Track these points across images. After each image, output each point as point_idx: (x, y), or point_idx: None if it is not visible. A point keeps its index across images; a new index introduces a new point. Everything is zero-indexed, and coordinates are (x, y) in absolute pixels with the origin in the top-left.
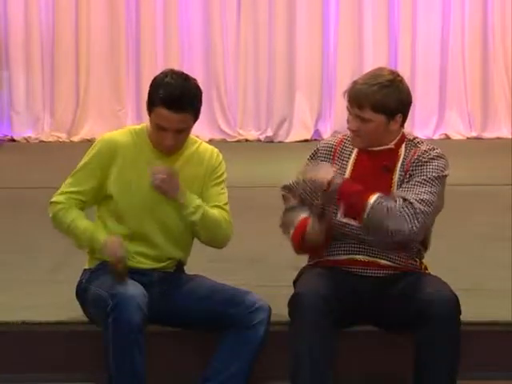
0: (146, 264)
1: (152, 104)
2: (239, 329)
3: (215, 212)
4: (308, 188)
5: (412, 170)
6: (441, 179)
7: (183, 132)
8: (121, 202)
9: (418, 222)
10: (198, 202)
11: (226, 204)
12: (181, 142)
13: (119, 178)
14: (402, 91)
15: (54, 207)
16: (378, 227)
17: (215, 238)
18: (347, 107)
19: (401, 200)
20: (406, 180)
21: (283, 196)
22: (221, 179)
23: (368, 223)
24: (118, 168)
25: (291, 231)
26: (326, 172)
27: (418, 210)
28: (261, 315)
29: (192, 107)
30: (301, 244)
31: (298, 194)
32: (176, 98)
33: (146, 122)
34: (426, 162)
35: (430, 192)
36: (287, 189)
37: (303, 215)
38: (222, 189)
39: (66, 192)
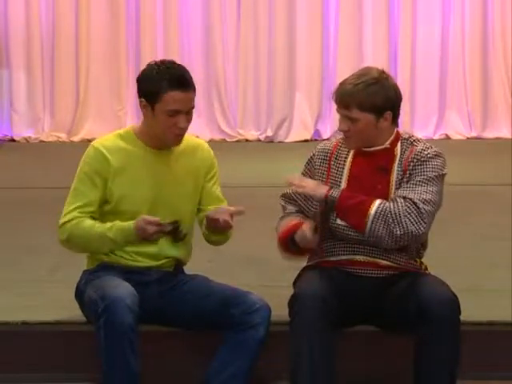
0: (142, 262)
1: (158, 93)
2: (239, 329)
3: None
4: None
5: (411, 169)
6: (440, 178)
7: (190, 113)
8: (119, 204)
9: (424, 222)
10: None
11: (225, 200)
12: (188, 126)
13: (116, 182)
14: (388, 88)
15: (66, 226)
16: (384, 235)
17: (224, 240)
18: (336, 109)
19: (402, 200)
20: (405, 179)
21: (282, 205)
22: (217, 175)
23: (373, 234)
24: (112, 173)
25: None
26: (320, 189)
27: (422, 210)
28: (261, 315)
29: (193, 84)
30: (286, 247)
31: (297, 202)
32: (182, 77)
33: (130, 125)
34: (425, 160)
35: (432, 191)
36: (286, 197)
37: (293, 221)
38: (219, 184)
39: (74, 209)
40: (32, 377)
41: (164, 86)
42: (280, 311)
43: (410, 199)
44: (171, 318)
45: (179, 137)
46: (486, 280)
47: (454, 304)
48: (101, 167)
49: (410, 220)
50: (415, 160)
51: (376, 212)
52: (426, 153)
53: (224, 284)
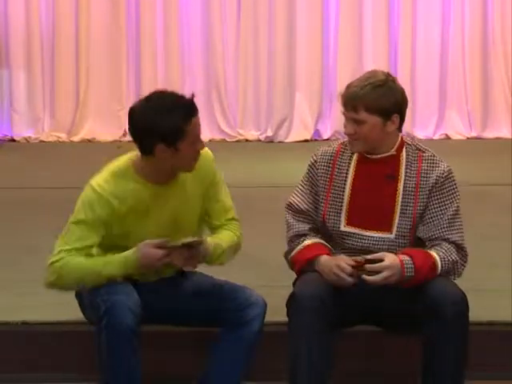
0: (144, 277)
1: (182, 129)
2: (234, 325)
3: (228, 238)
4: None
5: (432, 194)
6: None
7: None
8: (124, 240)
9: (467, 257)
10: (216, 248)
11: (231, 208)
12: None
13: (121, 223)
14: (395, 91)
15: (55, 266)
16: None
17: (232, 257)
18: (343, 112)
19: (450, 247)
20: (420, 198)
21: (288, 221)
22: (220, 182)
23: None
24: (116, 216)
25: (296, 250)
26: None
27: (465, 249)
28: (256, 310)
29: None
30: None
31: (308, 215)
32: (192, 102)
33: (121, 158)
34: (444, 181)
35: (461, 220)
36: (293, 210)
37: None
38: (224, 190)
39: (70, 249)
40: (32, 377)
41: (186, 120)
42: (280, 311)
43: (457, 244)
44: (171, 316)
45: (198, 160)
46: (486, 280)
47: (463, 302)
48: (105, 214)
49: (461, 263)
50: (434, 182)
51: (440, 270)
52: (439, 169)
53: (221, 280)
